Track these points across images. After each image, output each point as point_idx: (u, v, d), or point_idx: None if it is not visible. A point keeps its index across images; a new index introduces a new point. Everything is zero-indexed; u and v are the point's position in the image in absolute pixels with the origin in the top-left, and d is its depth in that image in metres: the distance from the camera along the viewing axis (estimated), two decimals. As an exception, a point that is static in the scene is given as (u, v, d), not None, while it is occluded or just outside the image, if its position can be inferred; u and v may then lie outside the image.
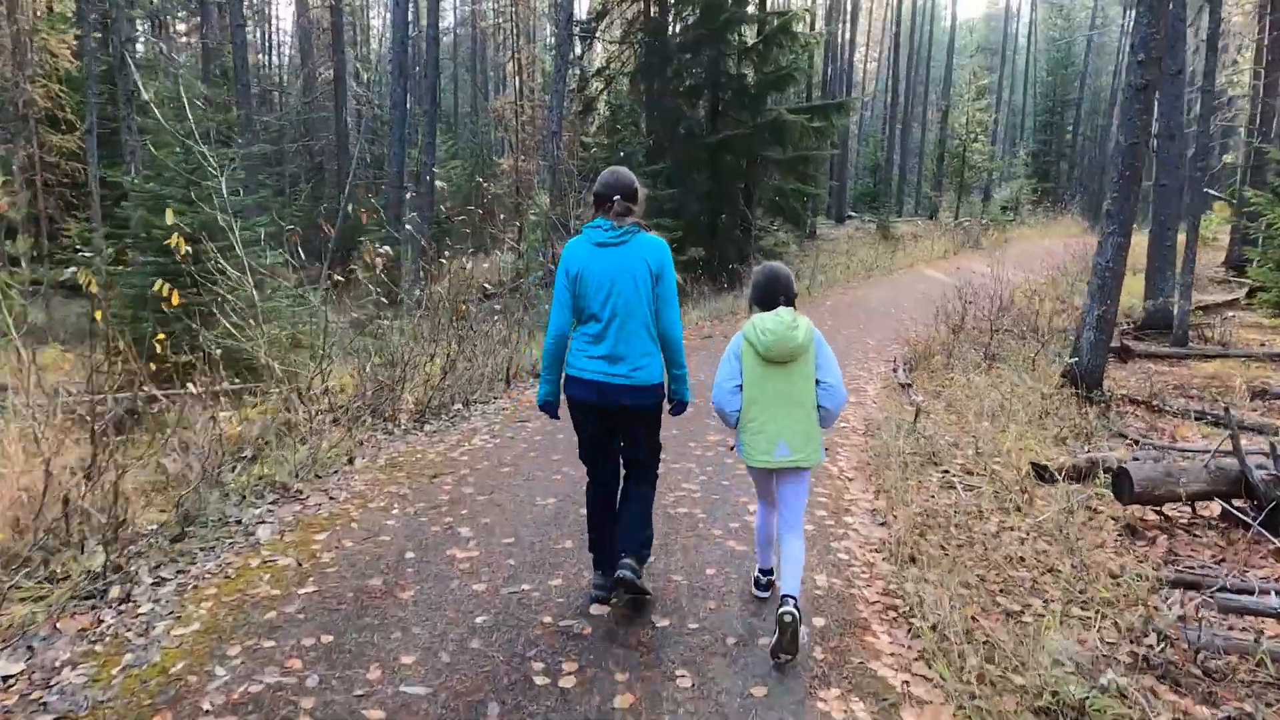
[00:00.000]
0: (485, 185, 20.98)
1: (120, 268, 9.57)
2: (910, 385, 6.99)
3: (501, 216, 15.61)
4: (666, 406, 3.22)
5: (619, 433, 3.19)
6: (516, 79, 25.24)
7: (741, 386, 3.02)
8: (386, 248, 5.33)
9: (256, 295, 5.80)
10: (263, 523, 4.05)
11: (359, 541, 3.82)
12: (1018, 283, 14.85)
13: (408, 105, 17.47)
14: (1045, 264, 18.03)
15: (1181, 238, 10.76)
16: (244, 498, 4.36)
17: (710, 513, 4.23)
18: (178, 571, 3.50)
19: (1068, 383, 7.10)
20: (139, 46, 26.22)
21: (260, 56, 33.31)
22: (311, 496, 4.42)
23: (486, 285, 7.17)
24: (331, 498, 4.41)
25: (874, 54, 48.25)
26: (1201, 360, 9.53)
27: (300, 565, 3.56)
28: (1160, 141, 10.70)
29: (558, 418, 3.30)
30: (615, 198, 3.03)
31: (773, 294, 3.04)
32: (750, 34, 18.60)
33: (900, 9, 32.64)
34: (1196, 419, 6.51)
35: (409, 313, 8.02)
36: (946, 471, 4.99)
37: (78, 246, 13.96)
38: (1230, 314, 13.03)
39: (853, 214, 30.62)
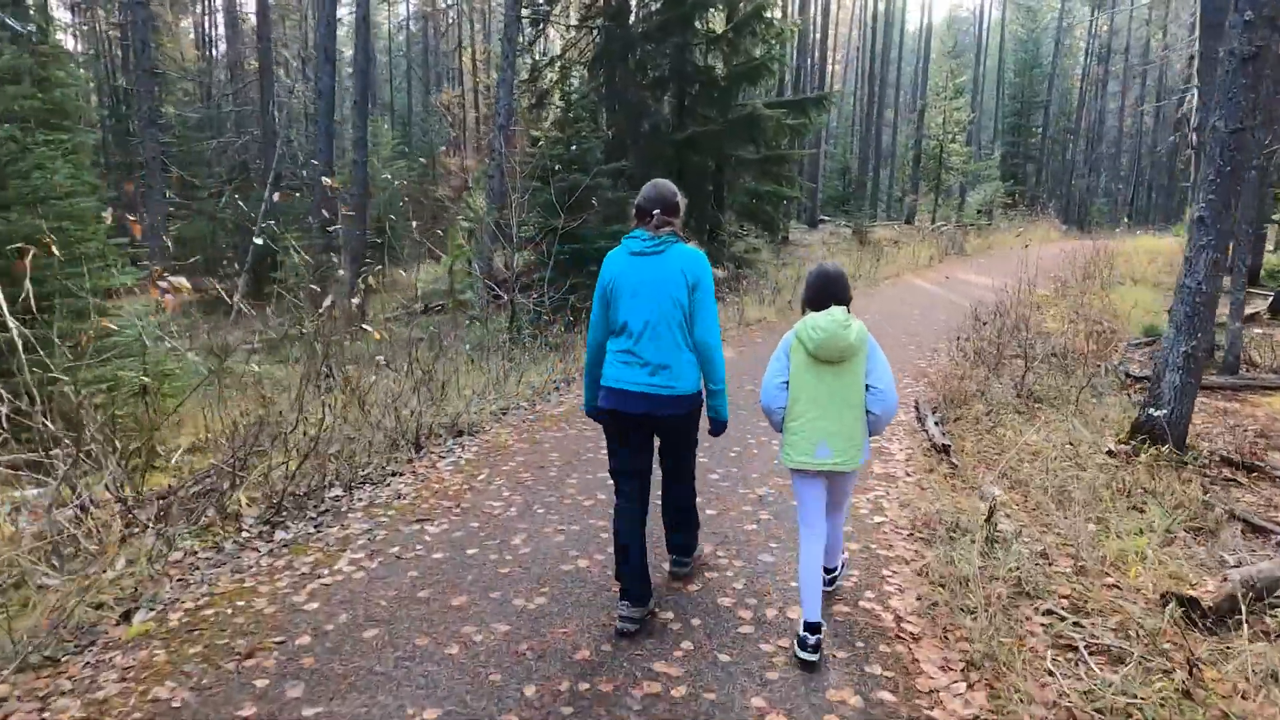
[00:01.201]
0: (401, 183, 18.98)
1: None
2: (950, 448, 5.31)
3: (415, 225, 13.65)
4: (705, 426, 3.18)
5: (652, 443, 3.14)
6: (467, 71, 23.32)
7: (788, 384, 2.96)
8: (180, 278, 3.52)
9: (17, 330, 3.90)
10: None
11: None
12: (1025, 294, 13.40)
13: (335, 94, 15.49)
14: (1044, 272, 16.66)
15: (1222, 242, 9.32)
16: (-108, 720, 2.50)
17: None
18: None
19: (1145, 438, 5.51)
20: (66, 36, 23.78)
21: (202, 50, 30.82)
22: (14, 716, 2.55)
23: (365, 326, 5.32)
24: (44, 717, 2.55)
25: (839, 56, 47.20)
26: (1262, 393, 8.06)
27: None
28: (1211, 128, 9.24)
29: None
30: (656, 211, 3.00)
31: (825, 295, 2.99)
32: (719, 21, 16.99)
33: (876, 6, 31.37)
34: (1334, 494, 4.95)
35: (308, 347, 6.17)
36: (1051, 612, 3.30)
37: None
38: (1256, 331, 11.72)
39: (825, 218, 29.21)
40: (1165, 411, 5.38)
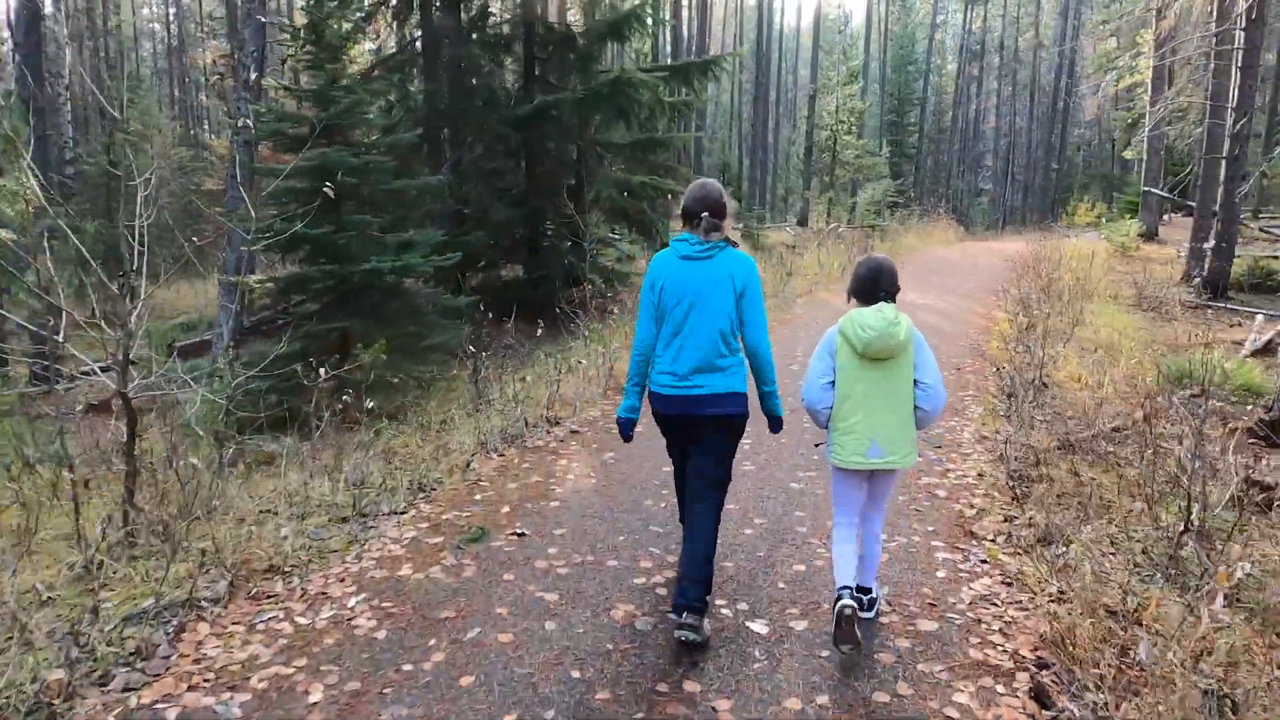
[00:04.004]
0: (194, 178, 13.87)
1: None
2: None
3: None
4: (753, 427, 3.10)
5: (699, 443, 3.06)
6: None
7: (833, 383, 2.91)
8: None
9: None
10: None
11: None
12: (983, 320, 10.09)
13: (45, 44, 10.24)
14: (987, 284, 13.64)
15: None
16: None
17: None
18: None
19: None
20: None
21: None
22: None
23: None
24: None
25: (713, 50, 44.36)
26: None
27: None
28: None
29: (629, 439, 3.17)
30: (703, 214, 2.98)
31: (875, 288, 2.89)
32: (576, -40, 12.92)
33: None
34: None
35: None
36: None
37: None
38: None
39: (708, 219, 25.74)
40: None
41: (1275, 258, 13.90)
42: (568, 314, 9.47)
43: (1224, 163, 12.38)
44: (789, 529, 3.89)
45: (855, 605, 2.69)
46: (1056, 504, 4.13)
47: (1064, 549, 3.57)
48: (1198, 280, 13.00)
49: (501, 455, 5.03)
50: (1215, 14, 13.12)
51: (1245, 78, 11.83)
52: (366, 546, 3.71)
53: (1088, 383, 7.02)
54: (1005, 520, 3.96)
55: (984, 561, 3.54)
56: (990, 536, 3.78)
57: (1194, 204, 14.37)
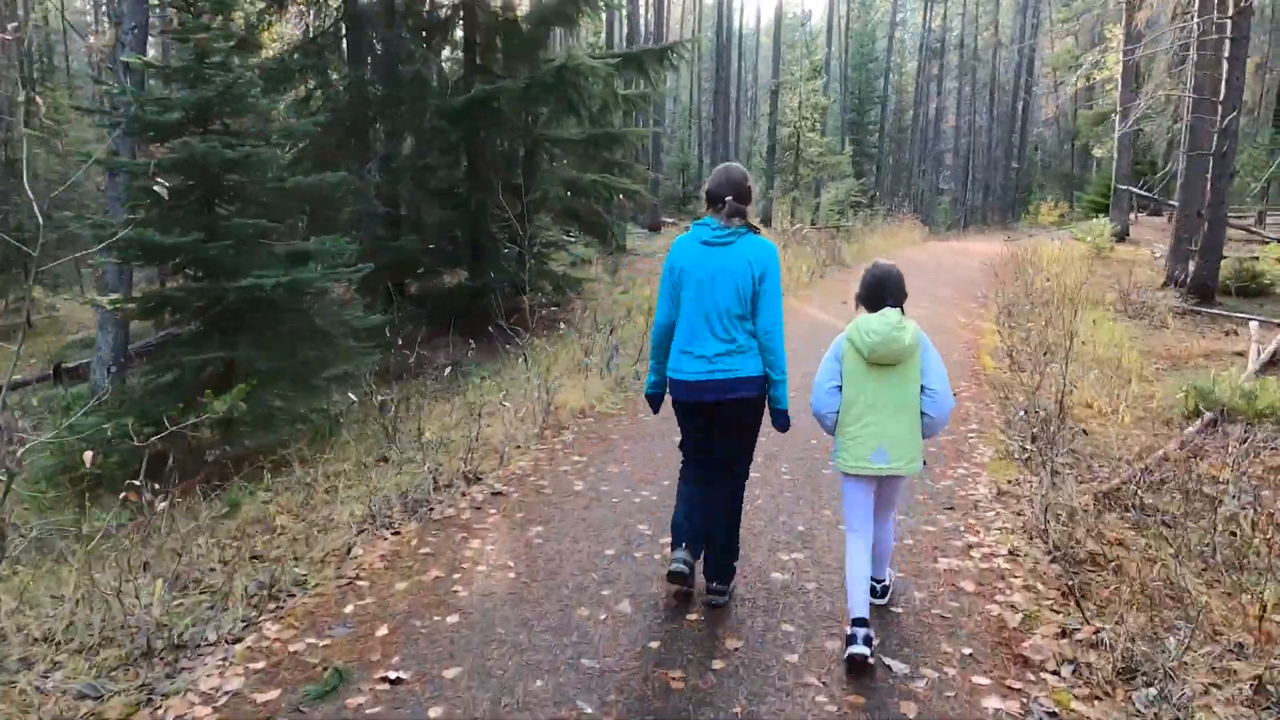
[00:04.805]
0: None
1: None
2: None
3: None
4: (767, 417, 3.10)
5: (718, 427, 3.07)
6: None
7: (840, 388, 2.92)
8: None
9: None
10: None
11: None
12: (967, 331, 9.15)
13: None
14: (965, 290, 12.79)
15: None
16: None
17: None
18: None
19: None
20: None
21: None
22: None
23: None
24: None
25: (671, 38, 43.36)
26: None
27: None
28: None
29: (658, 411, 3.30)
30: (727, 198, 2.98)
31: (881, 295, 2.91)
32: (517, -65, 11.74)
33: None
34: None
35: None
36: None
37: None
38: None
39: (667, 219, 24.73)
40: None
41: (1257, 259, 13.30)
42: (505, 330, 8.31)
43: (1210, 160, 11.69)
44: (774, 658, 2.80)
45: (867, 654, 2.64)
46: (1122, 601, 3.12)
47: (1155, 688, 2.55)
48: (1183, 283, 12.31)
49: (396, 533, 3.87)
50: (1198, 3, 12.41)
51: (1233, 69, 11.13)
52: (161, 712, 2.52)
53: (1103, 410, 6.10)
54: (1063, 633, 2.93)
55: (1052, 715, 2.49)
56: (1051, 665, 2.74)
57: (1174, 203, 13.71)
